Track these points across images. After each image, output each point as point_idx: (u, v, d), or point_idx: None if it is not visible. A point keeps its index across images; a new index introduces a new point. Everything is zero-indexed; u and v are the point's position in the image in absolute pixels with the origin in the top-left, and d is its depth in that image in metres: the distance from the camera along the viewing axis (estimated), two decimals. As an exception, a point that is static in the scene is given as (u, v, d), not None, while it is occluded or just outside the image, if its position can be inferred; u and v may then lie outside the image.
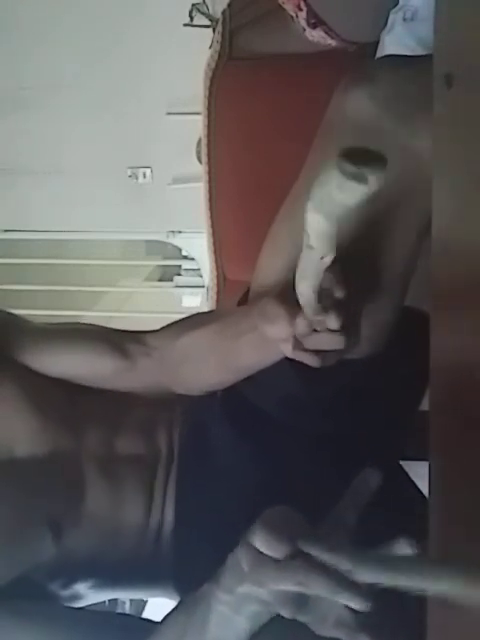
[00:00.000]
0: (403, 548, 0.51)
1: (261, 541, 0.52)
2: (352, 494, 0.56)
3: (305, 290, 0.59)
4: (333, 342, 0.64)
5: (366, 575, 0.46)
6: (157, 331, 0.85)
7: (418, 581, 0.42)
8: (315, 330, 0.63)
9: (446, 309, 0.55)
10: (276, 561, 0.51)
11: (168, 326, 0.85)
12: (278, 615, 0.55)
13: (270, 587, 0.52)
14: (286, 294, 0.64)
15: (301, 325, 0.62)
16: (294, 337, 0.64)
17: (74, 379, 0.83)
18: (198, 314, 0.89)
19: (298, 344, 0.64)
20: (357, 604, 0.49)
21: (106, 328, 0.89)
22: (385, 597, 0.52)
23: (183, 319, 0.85)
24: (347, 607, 0.53)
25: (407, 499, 0.79)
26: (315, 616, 0.53)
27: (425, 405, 0.80)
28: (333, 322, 0.61)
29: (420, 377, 0.72)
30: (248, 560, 0.53)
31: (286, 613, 0.53)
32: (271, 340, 0.66)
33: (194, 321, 0.83)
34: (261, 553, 0.52)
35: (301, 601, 0.53)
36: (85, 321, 0.99)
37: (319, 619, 0.53)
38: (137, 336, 0.84)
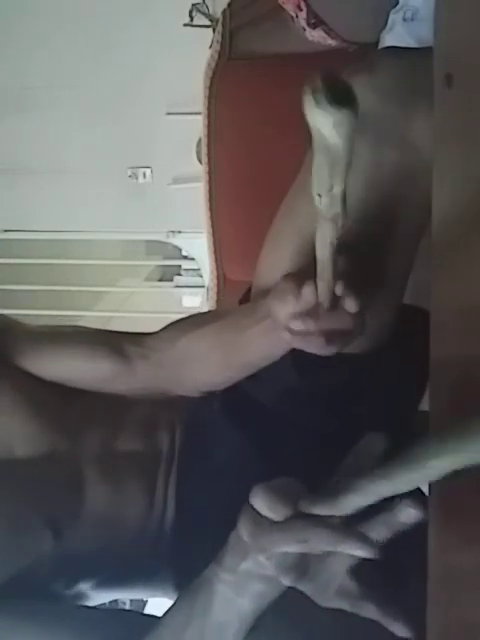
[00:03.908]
0: (374, 443, 0.52)
1: (261, 503, 0.51)
2: (354, 459, 0.55)
3: (322, 256, 0.59)
4: (344, 321, 0.63)
5: (378, 489, 0.46)
6: (156, 333, 0.84)
7: (424, 468, 0.42)
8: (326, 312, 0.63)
9: (446, 308, 0.55)
10: (276, 523, 0.51)
11: (167, 327, 0.85)
12: (278, 604, 0.55)
13: (272, 550, 0.51)
14: (297, 273, 0.64)
15: (308, 293, 0.62)
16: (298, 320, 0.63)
17: (72, 383, 0.83)
18: (197, 314, 0.88)
19: (301, 330, 0.64)
20: (364, 551, 0.48)
21: (104, 331, 0.89)
22: (389, 570, 0.51)
23: (182, 320, 0.85)
24: (350, 577, 0.53)
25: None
26: (317, 585, 0.53)
27: (425, 405, 0.80)
28: (345, 296, 0.61)
29: (420, 375, 0.72)
30: (248, 526, 0.52)
31: (288, 581, 0.52)
32: (279, 323, 0.66)
33: (193, 321, 0.83)
34: (261, 517, 0.51)
35: (302, 568, 0.52)
36: (85, 321, 0.99)
37: (322, 588, 0.53)
38: (135, 338, 0.84)
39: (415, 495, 0.49)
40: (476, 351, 0.51)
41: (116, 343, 0.83)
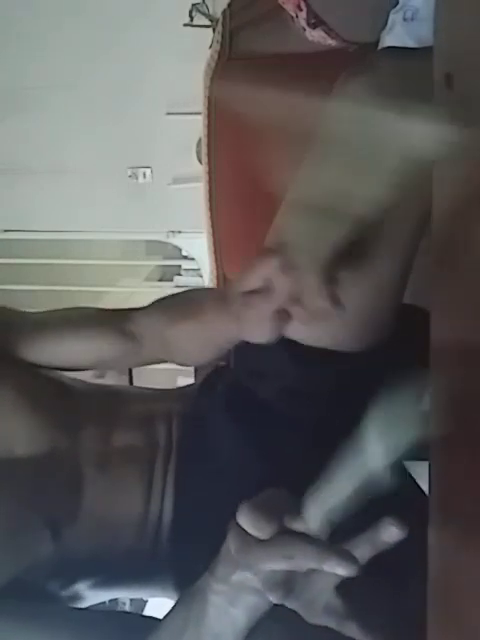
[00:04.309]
0: (388, 530, 0.50)
1: (246, 521, 0.51)
2: (366, 539, 0.53)
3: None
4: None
5: (344, 490, 0.47)
6: (145, 314, 0.84)
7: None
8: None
9: (446, 308, 0.55)
10: (262, 541, 0.51)
11: (157, 310, 0.84)
12: (274, 614, 0.54)
13: (258, 567, 0.51)
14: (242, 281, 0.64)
15: (282, 289, 0.62)
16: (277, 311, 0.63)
17: (79, 367, 0.84)
18: (179, 305, 0.86)
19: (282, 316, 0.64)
20: (345, 569, 0.48)
21: (107, 310, 0.88)
22: (375, 588, 0.51)
23: (167, 308, 0.84)
24: (336, 594, 0.53)
25: (408, 497, 0.79)
26: (304, 602, 0.53)
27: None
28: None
29: (420, 374, 0.72)
30: (235, 543, 0.53)
31: (275, 598, 0.52)
32: (256, 325, 0.66)
33: (177, 311, 0.81)
34: (248, 535, 0.51)
35: (289, 585, 0.52)
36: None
37: (308, 605, 0.53)
38: (130, 315, 0.84)
39: (403, 509, 0.49)
40: (477, 351, 0.51)
41: (119, 321, 0.83)
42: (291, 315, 0.64)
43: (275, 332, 0.66)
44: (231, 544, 0.53)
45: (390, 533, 0.49)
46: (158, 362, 0.86)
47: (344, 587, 0.53)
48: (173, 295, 0.86)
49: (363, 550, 0.50)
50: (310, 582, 0.53)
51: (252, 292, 0.64)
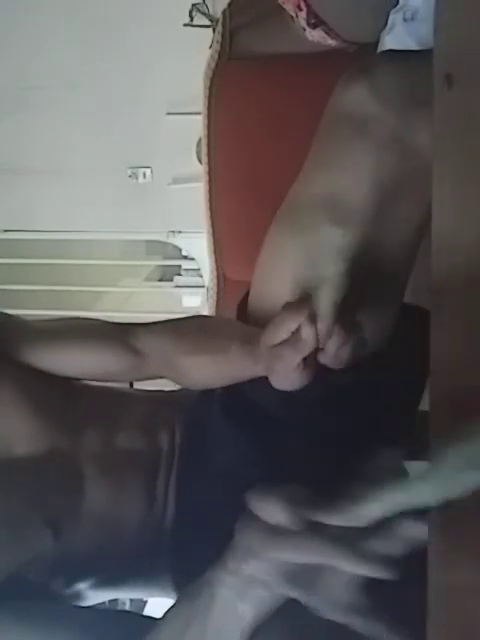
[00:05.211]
0: (391, 458, 0.51)
1: (279, 512, 0.50)
2: (370, 473, 0.52)
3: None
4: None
5: (388, 503, 0.45)
6: (156, 332, 0.84)
7: (440, 485, 0.41)
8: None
9: (446, 308, 0.55)
10: (282, 531, 0.49)
11: (168, 333, 0.84)
12: (281, 612, 0.54)
13: (285, 559, 0.50)
14: (277, 325, 0.64)
15: (308, 335, 0.63)
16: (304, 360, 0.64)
17: (82, 377, 0.84)
18: (193, 328, 0.86)
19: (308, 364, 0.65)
20: (382, 574, 0.47)
21: (113, 324, 0.89)
22: (403, 592, 0.50)
23: (185, 332, 0.84)
24: (362, 594, 0.51)
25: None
26: (325, 599, 0.51)
27: (425, 405, 0.80)
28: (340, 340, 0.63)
29: (420, 375, 0.72)
30: (260, 534, 0.51)
31: (294, 593, 0.51)
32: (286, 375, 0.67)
33: (189, 343, 0.81)
34: (275, 526, 0.50)
35: (310, 581, 0.50)
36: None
37: (330, 603, 0.51)
38: (140, 332, 0.84)
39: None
40: (477, 351, 0.51)
41: (125, 336, 0.84)
42: (318, 360, 0.65)
43: (304, 379, 0.67)
44: (254, 535, 0.51)
45: (413, 529, 0.48)
46: (160, 378, 0.86)
47: (369, 585, 0.51)
48: (187, 320, 0.86)
49: (396, 548, 0.48)
50: (322, 577, 0.51)
51: (280, 343, 0.65)
